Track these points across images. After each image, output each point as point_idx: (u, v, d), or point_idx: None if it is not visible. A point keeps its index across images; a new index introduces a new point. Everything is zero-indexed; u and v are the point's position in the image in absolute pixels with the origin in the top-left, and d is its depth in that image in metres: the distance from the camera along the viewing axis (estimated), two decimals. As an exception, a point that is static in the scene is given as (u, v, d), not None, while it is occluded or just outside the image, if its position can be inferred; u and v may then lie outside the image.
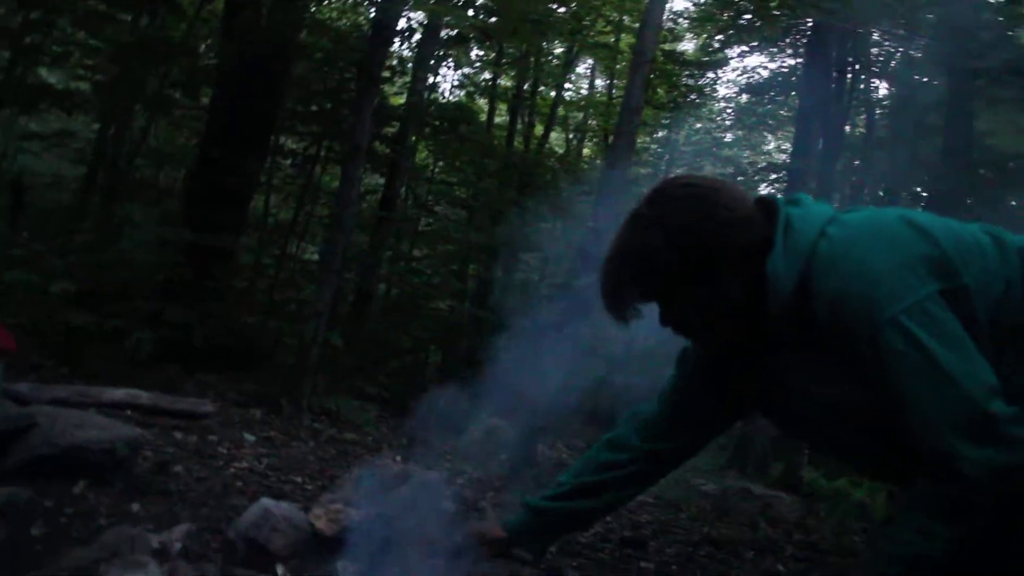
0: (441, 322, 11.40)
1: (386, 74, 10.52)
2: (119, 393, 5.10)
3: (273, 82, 9.58)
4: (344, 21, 13.14)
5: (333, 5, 12.72)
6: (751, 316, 1.76)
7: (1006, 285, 1.62)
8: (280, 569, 2.47)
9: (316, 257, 10.91)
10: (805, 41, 11.31)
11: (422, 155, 14.03)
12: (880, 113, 13.32)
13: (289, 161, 11.86)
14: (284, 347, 9.51)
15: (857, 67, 11.91)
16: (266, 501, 2.73)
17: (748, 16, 9.99)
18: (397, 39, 10.95)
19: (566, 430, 9.17)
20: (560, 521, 2.45)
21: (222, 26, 10.67)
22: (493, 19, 10.71)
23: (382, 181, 12.33)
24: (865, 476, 1.96)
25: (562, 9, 13.59)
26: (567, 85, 16.43)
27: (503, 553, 2.43)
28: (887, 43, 9.31)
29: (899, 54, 10.11)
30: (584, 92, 17.94)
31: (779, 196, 1.87)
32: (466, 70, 15.60)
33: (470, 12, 10.74)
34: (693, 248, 1.74)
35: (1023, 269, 1.65)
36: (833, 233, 1.67)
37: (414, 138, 12.21)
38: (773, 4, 7.21)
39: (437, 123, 12.15)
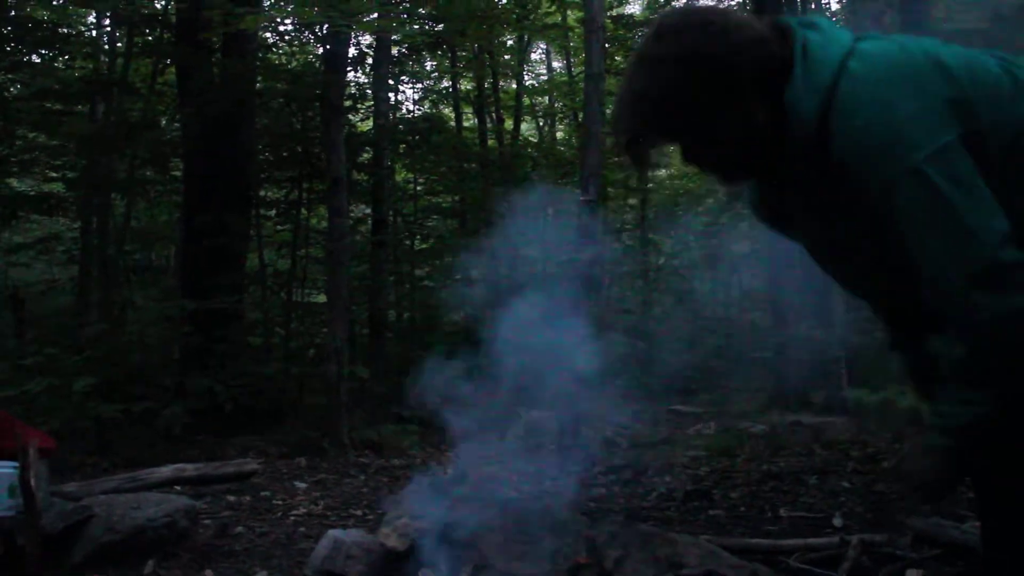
0: (458, 333, 11.41)
1: (348, 103, 10.54)
2: (165, 471, 5.12)
3: (239, 137, 9.61)
4: (294, 63, 13.16)
5: (281, 50, 12.72)
6: (771, 146, 1.68)
7: (1018, 125, 1.61)
8: (364, 593, 2.49)
9: (322, 298, 10.93)
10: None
11: (401, 175, 14.05)
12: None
13: (273, 211, 11.89)
14: (311, 391, 9.53)
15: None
16: (333, 532, 2.75)
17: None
18: (350, 67, 10.96)
19: (605, 408, 9.17)
20: None
21: (177, 93, 10.72)
22: (440, 26, 10.72)
23: (368, 210, 12.35)
24: (884, 320, 1.86)
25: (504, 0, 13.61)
26: (526, 73, 16.46)
27: None
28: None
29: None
30: (544, 76, 17.94)
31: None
32: (425, 82, 15.62)
33: (415, 25, 10.78)
34: (708, 78, 1.63)
35: None
36: (855, 69, 1.60)
37: (390, 159, 12.23)
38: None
39: (409, 139, 12.15)
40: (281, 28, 11.14)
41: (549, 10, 14.87)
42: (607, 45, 14.85)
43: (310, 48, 12.98)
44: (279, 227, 11.93)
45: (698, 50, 1.64)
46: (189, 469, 5.25)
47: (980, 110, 1.59)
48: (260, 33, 10.20)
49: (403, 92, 14.49)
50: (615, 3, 15.63)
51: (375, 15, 7.96)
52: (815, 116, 1.60)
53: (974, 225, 1.52)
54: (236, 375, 8.35)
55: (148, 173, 11.93)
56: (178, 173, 11.57)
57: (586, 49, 6.77)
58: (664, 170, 19.25)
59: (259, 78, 10.09)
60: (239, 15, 6.59)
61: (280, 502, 4.94)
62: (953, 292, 1.55)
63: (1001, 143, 1.60)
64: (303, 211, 11.40)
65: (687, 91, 1.64)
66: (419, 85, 15.69)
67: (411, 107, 14.96)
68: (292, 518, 4.50)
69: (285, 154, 11.00)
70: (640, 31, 15.47)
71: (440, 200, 14.07)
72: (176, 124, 11.68)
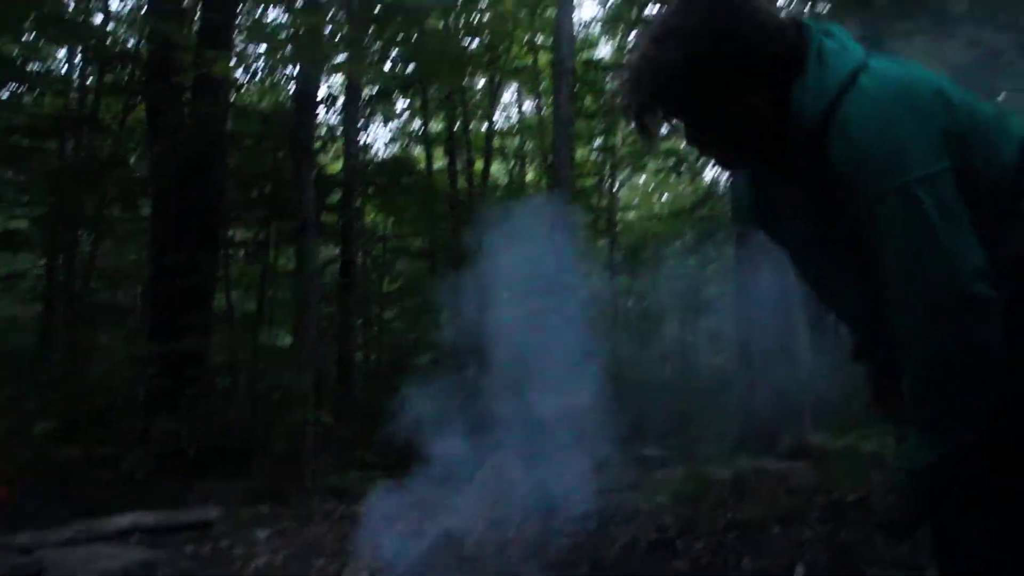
0: (422, 378, 11.35)
1: (318, 144, 10.57)
2: (124, 520, 5.04)
3: (208, 177, 9.59)
4: (265, 102, 13.17)
5: (252, 89, 12.75)
6: (773, 136, 1.70)
7: (1002, 168, 1.65)
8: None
9: (289, 340, 10.86)
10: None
11: (371, 215, 14.04)
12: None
13: (242, 252, 11.83)
14: (277, 435, 9.44)
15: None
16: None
17: (654, 9, 10.11)
18: (321, 108, 11.01)
19: (576, 452, 9.13)
20: None
21: (147, 132, 10.69)
22: (411, 67, 10.81)
23: (337, 251, 12.33)
24: (853, 328, 1.84)
25: (476, 42, 13.72)
26: (497, 115, 16.59)
27: None
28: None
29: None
30: (515, 118, 18.10)
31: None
32: (396, 123, 15.67)
33: (387, 66, 10.85)
34: (726, 55, 1.64)
35: (1020, 158, 1.68)
36: (864, 83, 1.62)
37: (360, 201, 12.23)
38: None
39: (378, 181, 12.18)
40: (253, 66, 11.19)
41: (520, 52, 15.03)
42: (577, 87, 15.05)
43: (281, 88, 13.04)
44: (247, 267, 11.88)
45: (720, 25, 1.64)
46: (148, 518, 5.17)
47: (974, 147, 1.63)
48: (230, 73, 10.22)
49: (373, 133, 14.53)
50: (585, 47, 15.79)
51: (345, 55, 8.03)
52: (819, 117, 1.62)
53: (952, 253, 1.54)
54: (201, 418, 8.26)
55: (116, 211, 11.85)
56: (147, 211, 11.51)
57: (555, 94, 6.83)
58: (633, 212, 19.43)
59: (230, 119, 10.10)
60: (210, 59, 6.61)
61: (240, 552, 4.87)
62: (915, 316, 1.57)
63: (988, 183, 1.64)
64: (271, 253, 11.37)
65: (703, 66, 1.64)
66: (390, 125, 15.73)
67: (382, 147, 14.98)
68: (253, 568, 4.44)
69: (255, 194, 10.98)
70: (611, 74, 15.67)
71: (410, 242, 14.07)
72: (145, 162, 11.63)
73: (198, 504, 6.37)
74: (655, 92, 1.66)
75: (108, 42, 10.69)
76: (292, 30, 6.73)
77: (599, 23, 15.87)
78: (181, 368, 8.53)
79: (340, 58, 8.40)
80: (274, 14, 12.62)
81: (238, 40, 11.55)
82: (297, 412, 7.39)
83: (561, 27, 6.74)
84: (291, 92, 10.28)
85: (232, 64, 7.63)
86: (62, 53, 13.10)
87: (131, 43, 12.17)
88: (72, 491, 7.10)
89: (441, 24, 13.53)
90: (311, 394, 7.59)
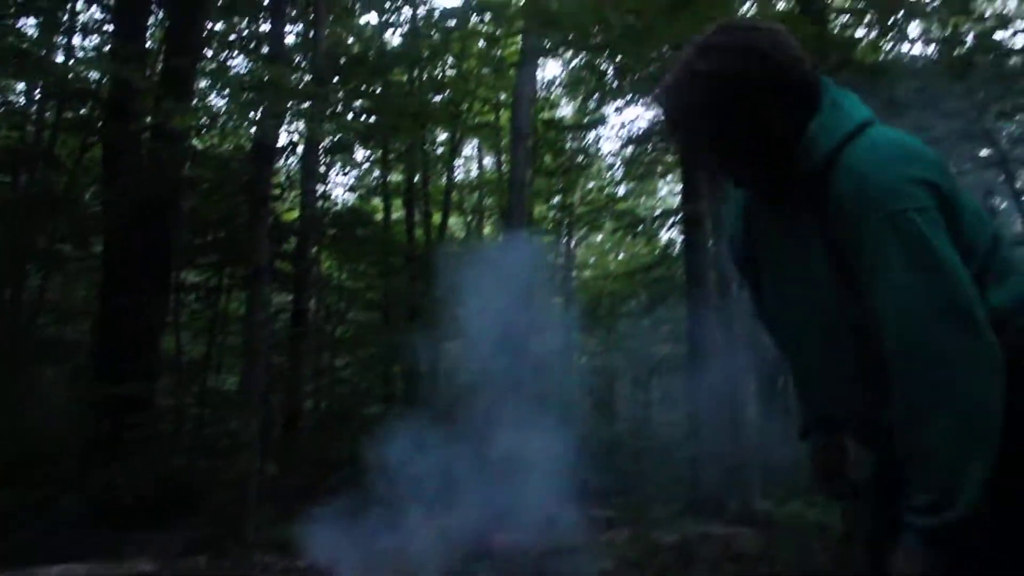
0: (373, 428, 11.25)
1: (276, 191, 10.54)
2: (54, 571, 4.90)
3: (163, 219, 9.50)
4: (227, 145, 13.14)
5: (213, 132, 12.72)
6: (782, 162, 1.80)
7: (966, 248, 1.72)
8: None
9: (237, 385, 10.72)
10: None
11: (327, 264, 13.99)
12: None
13: (193, 296, 11.70)
14: (220, 485, 9.26)
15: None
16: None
17: (618, 70, 10.30)
18: (281, 156, 11.00)
19: (522, 515, 9.08)
20: None
21: (103, 173, 10.59)
22: (372, 119, 10.86)
23: (291, 298, 12.24)
24: (807, 400, 1.87)
25: (438, 97, 13.85)
26: (457, 168, 16.70)
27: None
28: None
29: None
30: (475, 173, 18.22)
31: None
32: (356, 172, 15.70)
33: (349, 116, 10.89)
34: (755, 77, 1.75)
35: (992, 245, 1.77)
36: (872, 134, 1.75)
37: (315, 249, 12.19)
38: (643, 60, 7.49)
39: (333, 231, 12.16)
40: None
41: (482, 109, 15.19)
42: (537, 145, 15.22)
43: (242, 132, 13.02)
44: (197, 312, 11.75)
45: (758, 48, 1.76)
46: (79, 569, 5.03)
47: (959, 213, 1.73)
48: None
49: (332, 182, 14.54)
50: (547, 106, 16.01)
51: (307, 104, 8.05)
52: (828, 153, 1.73)
53: (951, 267, 1.62)
54: (142, 465, 8.08)
55: (68, 247, 11.69)
56: (99, 248, 11.36)
57: (511, 157, 6.91)
58: (589, 271, 19.57)
59: (188, 163, 10.05)
60: (168, 110, 6.60)
61: (174, 608, 4.74)
62: (920, 326, 1.59)
63: (968, 244, 1.73)
64: (223, 297, 11.26)
65: (739, 81, 1.75)
66: (350, 174, 15.76)
67: (340, 196, 14.98)
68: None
69: (210, 239, 10.90)
70: (570, 135, 15.91)
71: (365, 292, 14.01)
72: (98, 203, 11.51)
73: (133, 555, 6.21)
74: (693, 102, 1.77)
75: (69, 77, 10.60)
76: (255, 79, 6.74)
77: (561, 84, 16.10)
78: (125, 412, 8.37)
79: (302, 106, 8.43)
80: (238, 61, 12.73)
81: (201, 84, 11.60)
82: (241, 461, 7.25)
83: (520, 91, 6.85)
84: (252, 134, 10.25)
85: (192, 113, 7.59)
86: (21, 86, 13.03)
87: (93, 78, 12.09)
88: (4, 537, 6.89)
89: (405, 77, 13.70)
90: (256, 443, 7.47)
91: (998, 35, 5.30)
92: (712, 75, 1.75)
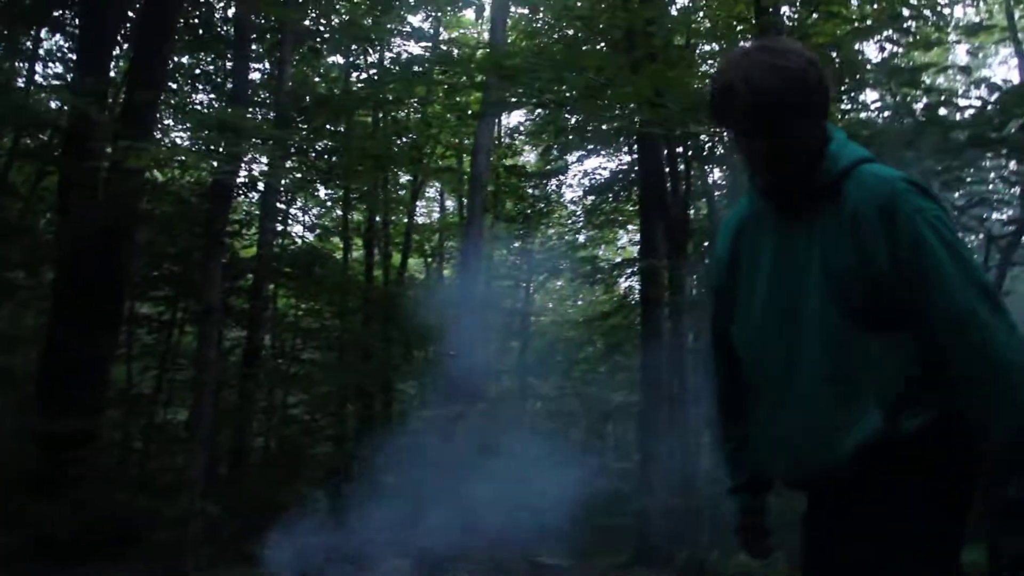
0: (323, 468, 11.17)
1: (234, 228, 10.50)
2: (-19, 610, 4.76)
3: (118, 251, 9.39)
4: (188, 178, 13.07)
5: (173, 165, 12.65)
6: (806, 172, 1.96)
7: None
8: None
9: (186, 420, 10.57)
10: (636, 140, 11.77)
11: (283, 301, 13.92)
12: (719, 196, 13.93)
13: (145, 329, 11.55)
14: (161, 523, 9.10)
15: (689, 155, 12.54)
16: None
17: (577, 124, 10.45)
18: (241, 193, 10.96)
19: (471, 557, 9.03)
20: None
21: (57, 203, 10.46)
22: (334, 159, 10.89)
23: (245, 334, 12.14)
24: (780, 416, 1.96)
25: (402, 140, 13.92)
26: (418, 210, 16.74)
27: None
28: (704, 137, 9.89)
29: (721, 143, 10.70)
30: (436, 215, 18.25)
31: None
32: (316, 210, 15.65)
33: (312, 155, 10.92)
34: (809, 94, 1.93)
35: None
36: (877, 166, 1.96)
37: (271, 287, 12.13)
38: (604, 115, 7.62)
39: (288, 270, 12.11)
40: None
41: (445, 154, 15.29)
42: (500, 190, 15.33)
43: (203, 167, 12.97)
44: (149, 345, 11.60)
45: (815, 73, 1.94)
46: (9, 610, 4.90)
47: None
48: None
49: (292, 220, 14.49)
50: (510, 153, 16.15)
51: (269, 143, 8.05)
52: (846, 167, 1.93)
53: (975, 262, 1.87)
54: (83, 500, 7.91)
55: (20, 275, 11.51)
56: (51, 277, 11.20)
57: (468, 205, 6.96)
58: (546, 316, 19.61)
59: (145, 197, 9.98)
60: (125, 149, 6.56)
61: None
62: (972, 306, 1.77)
63: None
64: (176, 331, 11.15)
65: (796, 95, 1.91)
66: (310, 213, 15.72)
67: (299, 234, 14.93)
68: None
69: (164, 271, 10.81)
70: (532, 182, 16.06)
71: (320, 331, 13.94)
72: (51, 231, 11.36)
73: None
74: (781, 93, 1.90)
75: (30, 103, 10.51)
76: (215, 120, 6.75)
77: (524, 132, 16.25)
78: (69, 444, 8.19)
79: (263, 144, 8.43)
80: (201, 97, 12.72)
81: (162, 118, 11.57)
82: (183, 499, 7.15)
83: (480, 142, 6.92)
84: (213, 168, 10.22)
85: (147, 155, 7.53)
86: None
87: (54, 107, 12.01)
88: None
89: (370, 119, 13.76)
90: (200, 481, 7.37)
91: (943, 111, 5.49)
92: (798, 75, 1.91)
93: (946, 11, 8.85)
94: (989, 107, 5.19)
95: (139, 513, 9.19)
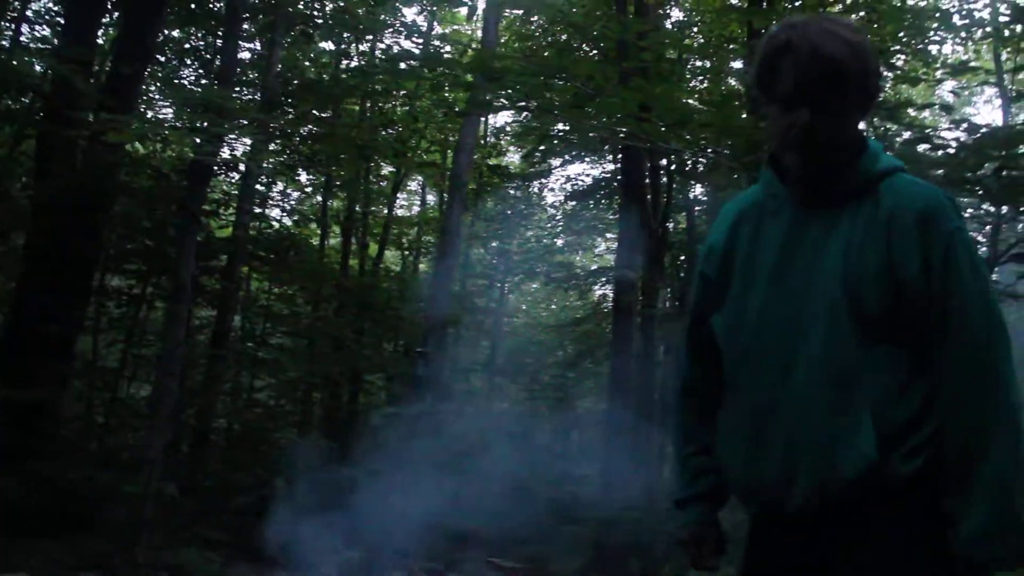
0: (285, 453, 11.11)
1: (210, 207, 10.42)
2: (-75, 578, 4.71)
3: (92, 221, 9.27)
4: (169, 152, 12.95)
5: (156, 139, 12.53)
6: (841, 164, 1.89)
7: None
8: None
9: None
10: (620, 148, 11.80)
11: (256, 284, 13.84)
12: (699, 211, 14.00)
13: (114, 302, 11.44)
14: (118, 500, 9.01)
15: (672, 169, 12.60)
16: None
17: (562, 131, 10.47)
18: (221, 172, 10.89)
19: (425, 552, 9.03)
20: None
21: (35, 167, 10.32)
22: (318, 145, 10.83)
23: (214, 315, 12.07)
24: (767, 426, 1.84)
25: (387, 132, 13.87)
26: (399, 202, 16.69)
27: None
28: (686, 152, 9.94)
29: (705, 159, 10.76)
30: (417, 209, 18.21)
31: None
32: (296, 195, 15.58)
33: (296, 140, 10.86)
34: (867, 75, 1.87)
35: None
36: (912, 176, 1.95)
37: (245, 269, 12.06)
38: (588, 121, 7.62)
39: (263, 254, 12.05)
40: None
41: (429, 148, 15.27)
42: (484, 190, 15.33)
43: (187, 142, 12.86)
44: (117, 319, 11.49)
45: (876, 64, 1.92)
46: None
47: None
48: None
49: (271, 203, 14.40)
50: (494, 152, 16.15)
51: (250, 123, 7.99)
52: (885, 169, 1.89)
53: (994, 290, 1.96)
54: (39, 474, 7.82)
55: (-9, 238, 11.36)
56: (22, 243, 11.05)
57: (447, 204, 6.95)
58: (520, 318, 19.63)
59: (123, 169, 9.87)
60: (106, 123, 6.49)
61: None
62: (990, 336, 1.76)
63: None
64: (144, 307, 11.05)
65: (857, 72, 1.83)
66: (290, 197, 15.63)
67: (278, 218, 14.85)
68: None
69: (139, 245, 10.71)
70: (514, 184, 16.06)
71: (291, 317, 13.87)
72: (26, 194, 11.21)
73: (16, 566, 6.01)
74: (807, 67, 1.81)
75: (11, 67, 10.34)
76: (200, 98, 6.70)
77: (510, 133, 16.24)
78: (26, 416, 8.09)
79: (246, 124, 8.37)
80: (188, 72, 12.62)
81: (148, 91, 11.46)
82: (141, 478, 7.09)
83: (463, 141, 6.92)
84: (195, 145, 10.12)
85: (129, 132, 7.45)
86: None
87: (38, 70, 11.86)
88: None
89: (357, 108, 13.72)
90: (159, 460, 7.32)
91: (922, 147, 5.56)
92: (861, 50, 1.84)
93: (933, 48, 8.99)
94: (964, 151, 5.25)
95: (97, 489, 9.11)
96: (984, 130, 5.61)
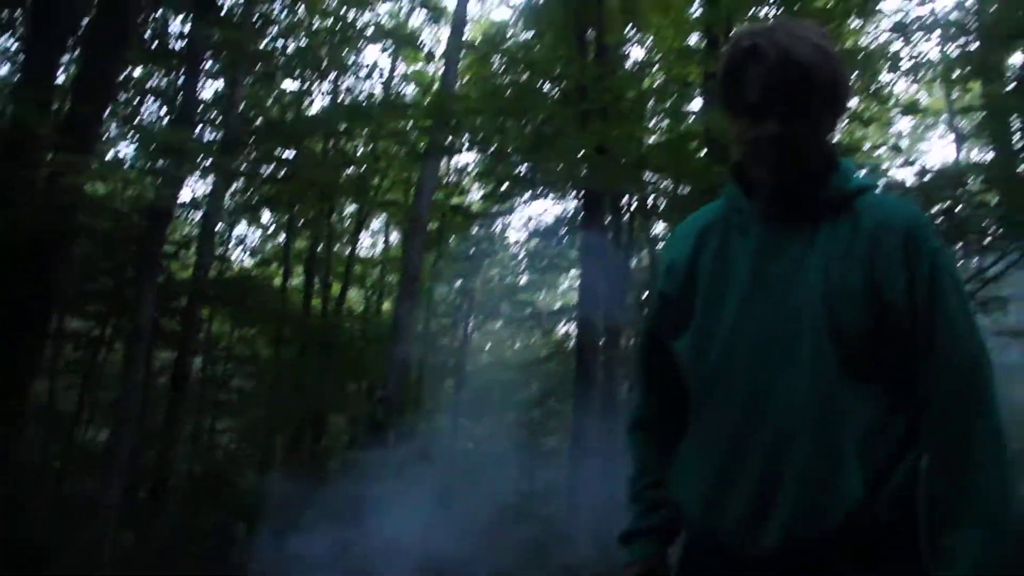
0: (246, 496, 10.95)
1: (171, 248, 10.32)
2: None
3: (49, 262, 9.12)
4: (129, 192, 12.81)
5: (115, 179, 12.41)
6: (814, 178, 1.81)
7: None
8: None
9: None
10: (581, 188, 11.86)
11: (217, 326, 13.68)
12: (661, 249, 14.09)
13: (72, 344, 11.27)
14: (73, 548, 8.81)
15: (633, 208, 12.69)
16: None
17: (519, 175, 10.52)
18: (181, 214, 10.80)
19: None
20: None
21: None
22: (280, 185, 10.81)
23: (175, 357, 11.90)
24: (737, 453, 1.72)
25: (350, 170, 13.86)
26: (362, 241, 16.63)
27: None
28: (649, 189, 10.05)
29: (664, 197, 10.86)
30: (380, 248, 18.16)
31: None
32: (258, 235, 15.50)
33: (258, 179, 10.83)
34: (838, 84, 1.78)
35: None
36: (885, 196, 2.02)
37: (206, 311, 11.93)
38: (548, 164, 7.65)
39: (224, 295, 11.94)
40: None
41: (392, 187, 15.26)
42: (445, 229, 15.32)
43: (147, 184, 12.77)
44: (74, 362, 11.32)
45: (843, 68, 1.83)
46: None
47: None
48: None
49: (233, 243, 14.31)
50: (457, 192, 16.16)
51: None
52: (860, 186, 1.81)
53: (975, 314, 1.83)
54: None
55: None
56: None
57: (407, 245, 6.95)
58: (484, 356, 19.60)
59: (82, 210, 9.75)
60: (64, 163, 6.41)
61: None
62: (976, 359, 1.68)
63: None
64: (103, 349, 10.89)
65: (827, 78, 1.75)
66: (251, 238, 15.56)
67: (239, 259, 14.74)
68: None
69: (97, 286, 10.57)
70: (479, 223, 16.08)
71: (253, 359, 13.74)
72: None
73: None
74: (819, 70, 1.73)
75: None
76: (159, 140, 6.66)
77: (472, 172, 16.28)
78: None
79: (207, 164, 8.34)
80: (149, 111, 12.57)
81: (108, 130, 11.38)
82: (96, 525, 6.95)
83: (424, 183, 6.94)
84: (156, 185, 10.02)
85: (88, 173, 7.37)
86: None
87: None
88: None
89: (320, 147, 13.69)
90: (116, 507, 7.18)
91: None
92: (831, 57, 1.76)
93: (885, 90, 9.15)
94: (912, 192, 5.34)
95: (51, 537, 8.90)
96: (931, 174, 5.71)
